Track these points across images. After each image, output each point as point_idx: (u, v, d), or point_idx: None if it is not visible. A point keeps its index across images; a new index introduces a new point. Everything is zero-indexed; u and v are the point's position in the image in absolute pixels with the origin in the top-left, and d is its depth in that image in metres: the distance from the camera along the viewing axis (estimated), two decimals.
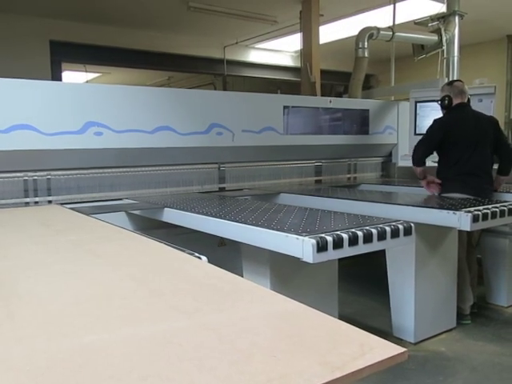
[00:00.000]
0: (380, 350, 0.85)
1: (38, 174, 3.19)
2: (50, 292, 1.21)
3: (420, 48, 5.63)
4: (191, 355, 0.82)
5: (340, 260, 2.02)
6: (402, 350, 0.84)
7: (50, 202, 3.23)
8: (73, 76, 9.61)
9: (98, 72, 9.97)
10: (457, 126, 3.44)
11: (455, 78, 5.42)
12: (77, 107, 3.19)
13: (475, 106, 4.37)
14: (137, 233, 2.07)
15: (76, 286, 1.26)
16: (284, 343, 0.87)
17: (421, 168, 3.52)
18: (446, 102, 3.53)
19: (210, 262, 1.55)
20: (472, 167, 3.36)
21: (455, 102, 3.52)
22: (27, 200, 3.16)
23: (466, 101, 3.54)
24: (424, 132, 4.73)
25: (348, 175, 4.99)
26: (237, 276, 1.30)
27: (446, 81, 5.31)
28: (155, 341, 0.88)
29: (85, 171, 3.36)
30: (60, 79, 7.36)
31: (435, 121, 3.54)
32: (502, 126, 4.31)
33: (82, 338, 0.89)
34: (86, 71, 9.33)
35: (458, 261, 3.37)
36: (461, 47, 5.53)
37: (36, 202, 3.19)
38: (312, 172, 4.69)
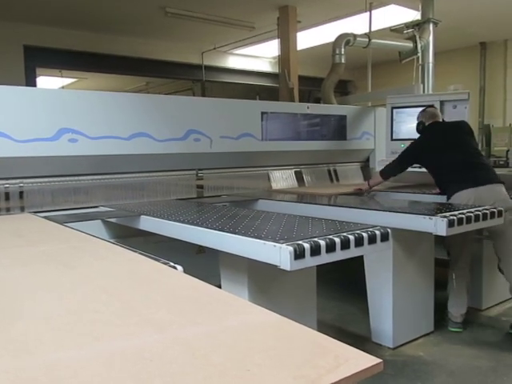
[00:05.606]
0: (355, 360, 0.84)
1: (9, 181, 3.11)
2: (18, 306, 1.17)
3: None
4: (163, 371, 0.79)
5: (320, 265, 2.01)
6: (378, 360, 0.83)
7: (22, 210, 3.15)
8: (48, 81, 9.46)
9: (74, 77, 9.83)
10: (433, 138, 3.58)
11: (430, 84, 5.53)
12: (50, 113, 3.12)
13: (450, 111, 4.45)
14: (111, 242, 2.03)
15: (46, 299, 1.22)
16: (259, 356, 0.85)
17: (382, 181, 3.88)
18: (420, 127, 3.74)
19: (187, 270, 1.51)
20: (469, 164, 3.37)
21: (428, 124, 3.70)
22: None
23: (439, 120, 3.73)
24: (401, 137, 4.84)
25: (329, 180, 5.00)
26: (212, 286, 1.28)
27: (422, 87, 5.41)
28: (126, 357, 0.85)
29: (59, 179, 3.28)
30: (34, 85, 7.23)
31: (411, 144, 3.70)
32: (475, 131, 4.39)
33: (50, 356, 0.86)
34: (62, 76, 9.20)
35: (459, 267, 3.34)
36: (435, 54, 5.64)
37: (8, 210, 3.11)
38: (292, 178, 4.69)
